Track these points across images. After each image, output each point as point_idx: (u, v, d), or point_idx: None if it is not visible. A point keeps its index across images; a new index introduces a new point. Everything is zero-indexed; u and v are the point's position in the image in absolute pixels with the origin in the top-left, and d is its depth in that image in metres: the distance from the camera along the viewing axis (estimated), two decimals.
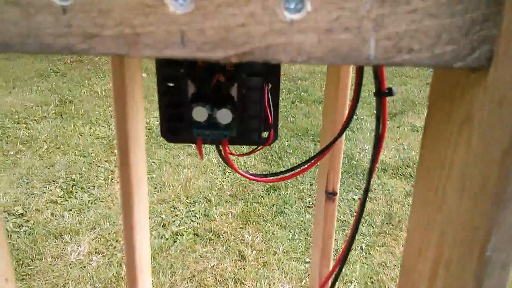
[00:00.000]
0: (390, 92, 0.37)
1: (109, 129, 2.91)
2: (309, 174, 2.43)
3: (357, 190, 2.32)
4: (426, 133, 0.32)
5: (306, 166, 0.50)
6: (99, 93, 3.54)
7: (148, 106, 3.18)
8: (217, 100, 0.43)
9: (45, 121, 2.98)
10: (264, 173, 0.49)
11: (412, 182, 2.41)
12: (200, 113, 0.41)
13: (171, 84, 0.44)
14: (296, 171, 0.49)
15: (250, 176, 0.49)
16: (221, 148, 0.46)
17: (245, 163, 2.53)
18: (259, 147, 0.47)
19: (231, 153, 0.47)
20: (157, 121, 3.02)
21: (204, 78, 0.41)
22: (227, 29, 0.23)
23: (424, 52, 0.24)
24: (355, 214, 2.21)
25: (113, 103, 0.57)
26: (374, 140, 0.38)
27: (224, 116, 0.41)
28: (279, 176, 0.50)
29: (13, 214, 2.03)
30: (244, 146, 0.50)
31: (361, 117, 3.18)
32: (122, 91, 0.56)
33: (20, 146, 2.63)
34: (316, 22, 0.23)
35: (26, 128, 2.87)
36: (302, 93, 3.62)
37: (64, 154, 2.56)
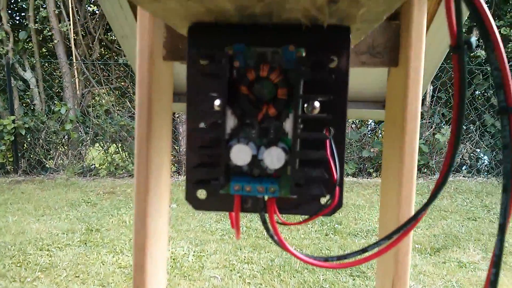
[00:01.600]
0: None
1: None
2: None
3: None
4: None
5: (381, 246, 0.36)
6: (127, 222, 3.46)
7: (174, 236, 3.06)
8: (264, 139, 0.32)
9: (68, 248, 2.87)
10: (325, 256, 0.34)
11: None
12: (241, 154, 0.30)
13: (202, 125, 0.34)
14: (364, 255, 0.35)
15: (308, 259, 0.34)
16: (266, 215, 0.34)
17: None
18: (317, 215, 0.34)
19: (282, 223, 0.34)
20: (183, 250, 2.86)
21: (249, 110, 0.31)
22: None
23: None
24: None
25: (133, 235, 0.49)
26: (504, 179, 0.26)
27: (274, 157, 0.30)
28: (344, 261, 0.36)
29: None
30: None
31: None
32: (143, 222, 0.49)
33: (39, 273, 2.48)
34: None
35: (48, 255, 2.75)
36: (336, 226, 3.44)
37: (82, 283, 2.39)
